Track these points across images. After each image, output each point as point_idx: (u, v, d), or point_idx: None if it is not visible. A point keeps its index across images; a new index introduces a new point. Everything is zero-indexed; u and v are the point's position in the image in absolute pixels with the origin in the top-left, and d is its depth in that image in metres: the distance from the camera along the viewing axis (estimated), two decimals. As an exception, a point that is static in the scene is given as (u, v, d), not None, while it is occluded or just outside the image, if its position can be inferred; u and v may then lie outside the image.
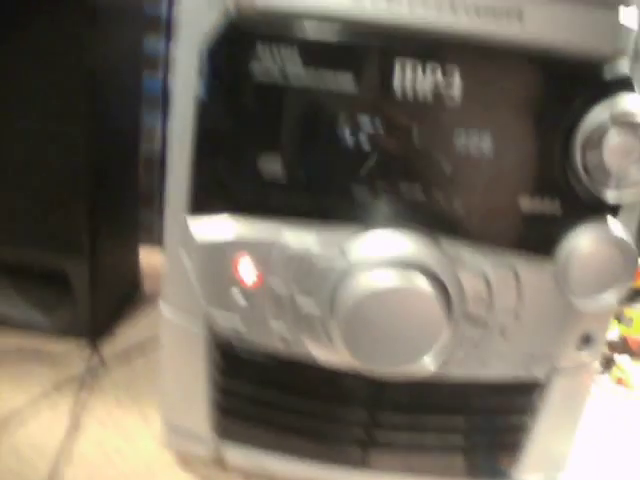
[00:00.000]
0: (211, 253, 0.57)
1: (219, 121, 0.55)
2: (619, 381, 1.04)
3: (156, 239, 1.34)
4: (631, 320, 1.15)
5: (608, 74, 0.51)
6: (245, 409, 0.65)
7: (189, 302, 0.60)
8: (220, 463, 0.70)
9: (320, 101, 0.52)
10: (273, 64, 0.51)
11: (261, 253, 0.55)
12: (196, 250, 0.58)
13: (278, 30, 0.51)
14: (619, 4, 0.50)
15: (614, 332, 1.09)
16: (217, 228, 0.56)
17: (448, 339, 0.54)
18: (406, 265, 0.52)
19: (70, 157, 0.84)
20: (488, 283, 0.54)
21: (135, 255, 1.10)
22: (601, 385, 1.00)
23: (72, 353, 0.91)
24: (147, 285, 1.14)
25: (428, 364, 0.55)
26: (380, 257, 0.52)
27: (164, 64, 1.25)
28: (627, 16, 0.50)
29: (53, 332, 0.94)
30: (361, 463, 0.65)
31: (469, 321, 0.55)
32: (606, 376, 1.04)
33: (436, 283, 0.52)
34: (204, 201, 0.57)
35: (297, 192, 0.54)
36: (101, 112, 0.86)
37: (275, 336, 0.57)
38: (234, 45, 0.52)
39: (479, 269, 0.54)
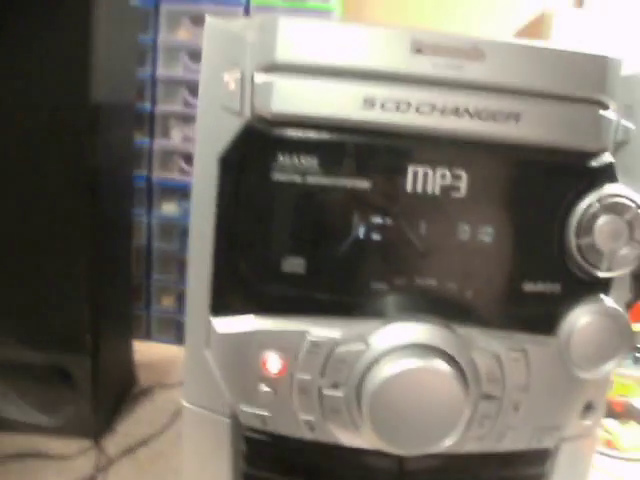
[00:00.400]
0: (237, 352, 0.60)
1: (239, 224, 0.58)
2: (608, 444, 1.08)
3: (144, 332, 1.37)
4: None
5: (594, 167, 0.57)
6: (271, 498, 0.66)
7: (214, 400, 0.62)
8: None
9: (337, 202, 0.57)
10: (290, 167, 0.56)
11: (287, 349, 0.58)
12: (222, 350, 0.60)
13: (295, 135, 0.56)
14: (601, 104, 0.56)
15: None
16: (242, 328, 0.59)
17: (468, 417, 0.57)
18: (425, 349, 0.56)
19: (72, 256, 0.87)
20: (500, 362, 0.58)
21: (130, 349, 1.12)
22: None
23: (76, 453, 0.91)
24: (141, 378, 1.15)
25: (451, 443, 0.57)
26: (401, 344, 0.56)
27: (148, 159, 1.29)
28: (607, 113, 0.56)
29: (55, 432, 0.94)
30: None
31: (485, 399, 0.59)
32: (595, 440, 1.07)
33: (453, 364, 0.56)
34: (227, 302, 0.60)
35: (320, 291, 0.58)
36: (101, 210, 0.89)
37: (302, 426, 0.60)
38: (252, 149, 0.56)
39: (491, 350, 0.58)
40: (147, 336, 1.37)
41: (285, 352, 0.58)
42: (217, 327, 0.60)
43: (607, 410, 1.12)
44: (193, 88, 1.21)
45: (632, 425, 1.15)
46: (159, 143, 1.29)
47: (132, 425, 1.01)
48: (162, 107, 1.27)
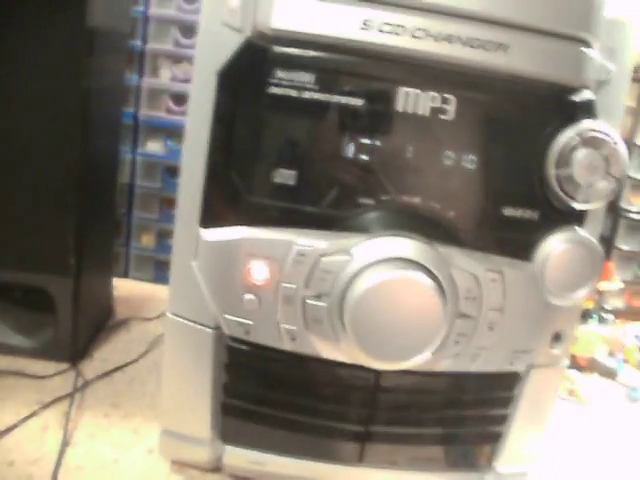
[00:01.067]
0: (224, 261, 0.62)
1: (234, 137, 0.60)
2: (571, 393, 1.12)
3: (122, 269, 1.38)
4: (576, 339, 1.24)
5: (576, 101, 0.60)
6: (248, 409, 0.69)
7: (198, 311, 0.65)
8: (217, 468, 0.73)
9: (331, 118, 0.59)
10: (287, 83, 0.57)
11: (274, 258, 0.60)
12: (209, 259, 0.62)
13: (293, 52, 0.58)
14: (585, 42, 0.59)
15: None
16: (230, 238, 0.61)
17: (445, 333, 0.60)
18: (406, 263, 0.58)
19: (58, 178, 0.88)
20: (478, 282, 0.61)
21: (110, 281, 1.14)
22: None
23: (54, 373, 0.92)
24: (118, 312, 1.17)
25: (428, 357, 0.60)
26: (383, 257, 0.58)
27: (136, 96, 1.29)
28: (590, 52, 0.59)
29: (34, 354, 0.95)
30: (357, 459, 0.70)
31: (462, 317, 0.61)
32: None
33: (433, 278, 0.58)
34: (217, 213, 0.62)
35: (308, 203, 0.60)
36: (90, 136, 0.89)
37: (284, 336, 0.62)
38: (251, 64, 0.58)
39: (470, 269, 0.61)
40: (125, 273, 1.38)
41: (271, 261, 0.60)
42: (205, 236, 0.61)
43: (572, 363, 1.18)
44: (185, 28, 1.22)
45: (594, 377, 1.19)
46: (148, 81, 1.29)
47: (109, 352, 1.03)
48: (153, 45, 1.28)
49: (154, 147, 1.33)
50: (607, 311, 1.49)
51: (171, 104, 1.30)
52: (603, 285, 1.40)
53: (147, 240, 1.38)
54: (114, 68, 1.02)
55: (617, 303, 1.64)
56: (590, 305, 1.38)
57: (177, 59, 1.29)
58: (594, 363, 1.23)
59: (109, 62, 0.97)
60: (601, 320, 1.40)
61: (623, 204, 1.61)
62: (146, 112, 1.31)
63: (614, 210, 1.61)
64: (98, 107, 0.93)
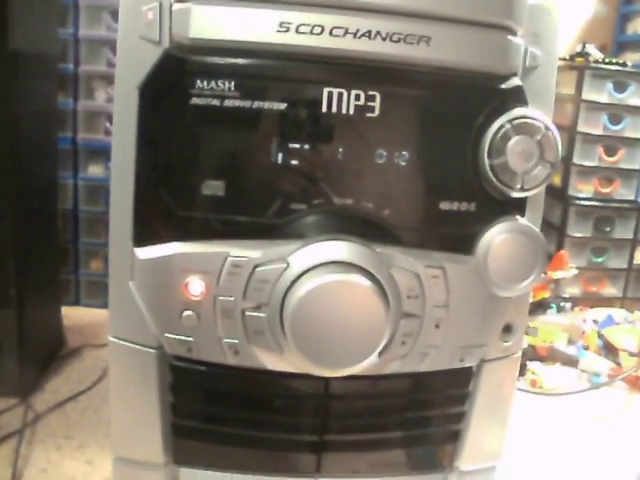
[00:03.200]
0: (160, 278, 0.60)
1: (160, 151, 0.58)
2: (533, 383, 1.12)
3: (72, 296, 1.36)
4: (536, 329, 1.25)
5: (504, 89, 0.59)
6: (199, 428, 0.67)
7: (139, 332, 0.63)
8: (173, 492, 0.71)
9: (255, 125, 0.57)
10: (209, 92, 0.56)
11: (209, 272, 0.59)
12: (145, 277, 0.60)
13: (212, 60, 0.56)
14: (509, 30, 0.58)
15: (523, 342, 1.17)
16: (164, 254, 0.59)
17: (390, 335, 0.59)
18: (344, 266, 0.57)
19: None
20: (419, 280, 0.60)
21: (58, 310, 1.12)
22: (518, 388, 1.07)
23: (2, 410, 0.90)
24: (70, 341, 1.14)
25: (373, 361, 0.59)
26: (320, 262, 0.57)
27: (73, 120, 1.27)
28: (515, 38, 0.58)
29: (-19, 392, 0.92)
30: (315, 470, 0.68)
31: (406, 317, 0.60)
32: (521, 380, 1.12)
33: (373, 280, 0.57)
34: (150, 231, 0.60)
35: (240, 213, 0.59)
36: (23, 163, 0.87)
37: (227, 351, 0.61)
38: (171, 76, 0.57)
39: (410, 268, 0.60)
40: (76, 301, 1.35)
41: (207, 274, 0.59)
42: (140, 255, 0.60)
43: (533, 354, 1.19)
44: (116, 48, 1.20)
45: (556, 366, 1.19)
46: (83, 104, 1.27)
47: (61, 383, 1.01)
48: (85, 67, 1.25)
49: (95, 170, 1.31)
50: (565, 299, 1.51)
51: (108, 125, 1.28)
52: (558, 274, 1.41)
53: (96, 265, 1.36)
54: (44, 92, 1.00)
55: (574, 290, 1.64)
56: (547, 295, 1.39)
57: (111, 80, 1.27)
58: (555, 352, 1.23)
59: (38, 86, 0.95)
60: (559, 309, 1.41)
61: (571, 191, 1.61)
62: (84, 135, 1.29)
63: (563, 198, 1.62)
64: (30, 133, 0.91)
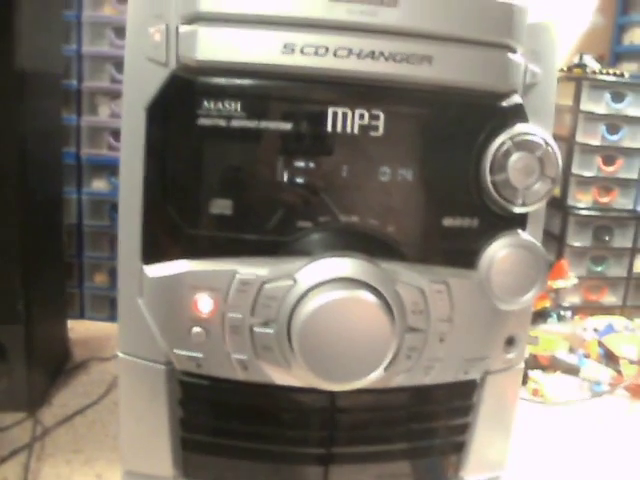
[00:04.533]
0: (169, 296, 0.61)
1: (167, 170, 0.59)
2: (535, 392, 1.13)
3: (77, 310, 1.37)
4: (537, 338, 1.25)
5: (505, 107, 0.61)
6: (208, 442, 0.68)
7: (148, 348, 0.64)
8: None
9: (261, 144, 0.59)
10: (215, 113, 0.57)
11: (217, 289, 0.60)
12: (154, 295, 0.61)
13: (219, 82, 0.58)
14: (509, 48, 0.59)
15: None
16: (172, 271, 0.60)
17: (395, 350, 0.60)
18: (350, 282, 0.58)
19: (2, 226, 0.87)
20: (424, 295, 0.61)
21: (64, 325, 1.12)
22: (521, 397, 1.08)
23: (11, 424, 0.91)
24: (76, 354, 1.15)
25: (380, 375, 0.60)
26: (327, 279, 0.58)
27: (76, 136, 1.28)
28: (515, 57, 0.60)
29: (-11, 407, 0.93)
30: (322, 482, 0.69)
31: (411, 331, 0.61)
32: (523, 390, 1.13)
33: (378, 295, 0.58)
34: (158, 248, 0.61)
35: (247, 231, 0.60)
36: (30, 179, 0.89)
37: (236, 366, 0.62)
38: (178, 97, 0.58)
39: (415, 283, 0.61)
40: (81, 314, 1.36)
41: (215, 292, 0.60)
42: (149, 273, 0.61)
43: (534, 363, 1.19)
44: (119, 64, 1.21)
45: (558, 375, 1.20)
46: (87, 120, 1.28)
47: (68, 397, 1.01)
48: (89, 84, 1.27)
49: (99, 185, 1.32)
50: (565, 308, 1.51)
51: (112, 141, 1.29)
52: (558, 283, 1.42)
53: (100, 279, 1.37)
54: (50, 109, 1.01)
55: (574, 299, 1.65)
56: (547, 304, 1.39)
57: (114, 95, 1.28)
58: (556, 361, 1.24)
59: (43, 103, 0.96)
60: (560, 318, 1.42)
61: (570, 201, 1.63)
62: (88, 151, 1.30)
63: (562, 208, 1.63)
64: (36, 150, 0.92)
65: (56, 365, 1.07)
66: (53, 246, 1.07)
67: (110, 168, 1.31)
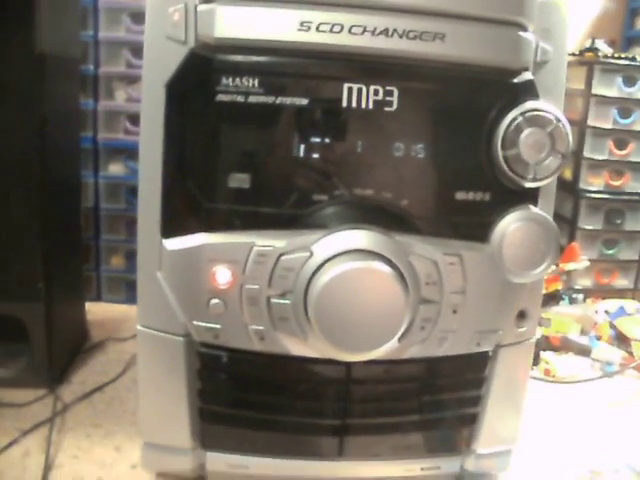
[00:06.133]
0: (187, 268, 0.63)
1: (187, 146, 0.61)
2: (546, 372, 1.14)
3: (94, 292, 1.39)
4: (549, 321, 1.26)
5: (516, 83, 0.62)
6: (225, 412, 0.70)
7: (167, 321, 0.65)
8: (201, 477, 0.74)
9: (278, 119, 0.60)
10: (233, 89, 0.59)
11: (235, 261, 0.61)
12: (173, 268, 0.63)
13: (237, 59, 0.59)
14: (520, 26, 0.60)
15: (537, 333, 1.19)
16: (192, 245, 0.62)
17: (409, 320, 0.61)
18: (365, 254, 0.60)
19: (21, 205, 0.88)
20: (437, 267, 0.62)
21: (82, 305, 1.14)
22: (532, 376, 1.09)
23: (33, 400, 0.92)
24: (93, 335, 1.17)
25: (395, 345, 0.61)
26: (342, 250, 0.59)
27: (93, 120, 1.30)
28: (526, 34, 0.61)
29: (10, 383, 0.95)
30: (337, 453, 0.71)
31: (425, 303, 0.63)
32: (535, 370, 1.14)
33: (392, 267, 0.60)
34: (177, 222, 0.63)
35: (264, 205, 0.61)
36: (49, 162, 0.90)
37: (253, 337, 0.63)
38: (197, 74, 0.59)
39: (428, 255, 0.62)
40: (98, 297, 1.38)
41: (233, 264, 0.61)
42: (168, 246, 0.62)
43: (546, 344, 1.20)
44: (136, 49, 1.23)
45: (569, 356, 1.21)
46: (104, 104, 1.29)
47: (87, 375, 1.03)
48: (105, 69, 1.28)
49: (115, 169, 1.34)
50: (577, 291, 1.52)
51: (128, 125, 1.31)
52: (570, 265, 1.42)
53: (116, 261, 1.38)
54: (68, 93, 1.03)
55: (585, 282, 1.66)
56: (559, 287, 1.40)
57: (131, 80, 1.30)
58: (568, 342, 1.25)
59: (63, 87, 0.98)
60: (572, 300, 1.43)
61: (582, 185, 1.63)
62: (104, 135, 1.32)
63: (574, 191, 1.63)
64: (55, 133, 0.94)
65: (75, 344, 1.09)
66: (71, 228, 1.09)
67: (127, 152, 1.33)
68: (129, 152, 1.31)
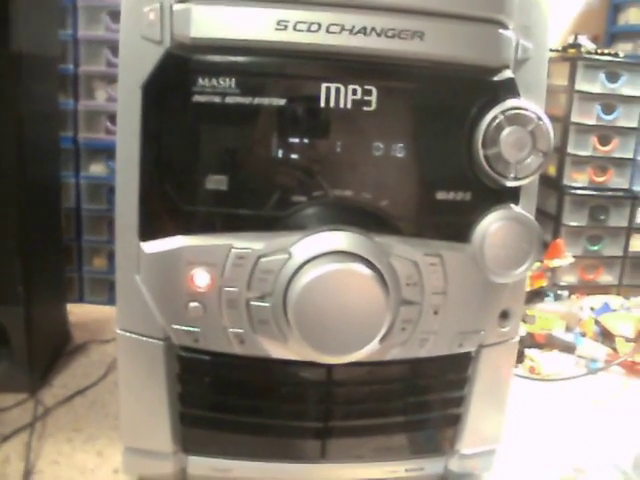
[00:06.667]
0: (166, 271, 0.62)
1: (163, 148, 0.60)
2: (531, 370, 1.14)
3: (76, 294, 1.37)
4: (533, 317, 1.26)
5: (496, 81, 0.61)
6: (206, 416, 0.69)
7: (146, 324, 0.65)
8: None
9: (255, 120, 0.59)
10: (210, 89, 0.58)
11: (214, 264, 0.60)
12: (151, 271, 0.62)
13: (213, 59, 0.58)
14: (500, 24, 0.60)
15: (521, 330, 1.19)
16: (170, 248, 0.61)
17: (390, 322, 0.61)
18: (344, 255, 0.59)
19: (0, 209, 0.87)
20: (418, 267, 0.62)
21: (64, 307, 1.13)
22: (517, 374, 1.10)
23: (12, 405, 0.91)
24: (76, 337, 1.16)
25: (375, 347, 0.61)
26: (321, 252, 0.59)
27: (73, 120, 1.29)
28: (506, 32, 0.60)
29: (-10, 388, 0.94)
30: (320, 456, 0.70)
31: (405, 304, 0.62)
32: (520, 367, 1.14)
33: (373, 268, 0.59)
34: (155, 225, 0.62)
35: (242, 206, 0.61)
36: (27, 162, 0.89)
37: (233, 340, 0.62)
38: (173, 75, 0.59)
39: (408, 256, 0.62)
40: (80, 298, 1.37)
41: (212, 266, 0.60)
42: (146, 249, 0.62)
43: (531, 342, 1.20)
44: (115, 48, 1.21)
45: (554, 353, 1.21)
46: (84, 104, 1.28)
47: (68, 378, 1.02)
48: (85, 68, 1.27)
49: (96, 169, 1.33)
50: (561, 287, 1.52)
51: (109, 125, 1.30)
52: (555, 262, 1.42)
53: (99, 262, 1.37)
54: (46, 93, 1.02)
55: (570, 279, 1.66)
56: (544, 283, 1.40)
57: (111, 79, 1.29)
58: (552, 339, 1.25)
59: (40, 87, 0.97)
60: (557, 297, 1.43)
61: (566, 181, 1.63)
62: (85, 135, 1.31)
63: (558, 188, 1.63)
64: (33, 133, 0.93)
65: (56, 347, 1.08)
66: (52, 230, 1.08)
67: (108, 152, 1.31)
68: (110, 152, 1.30)
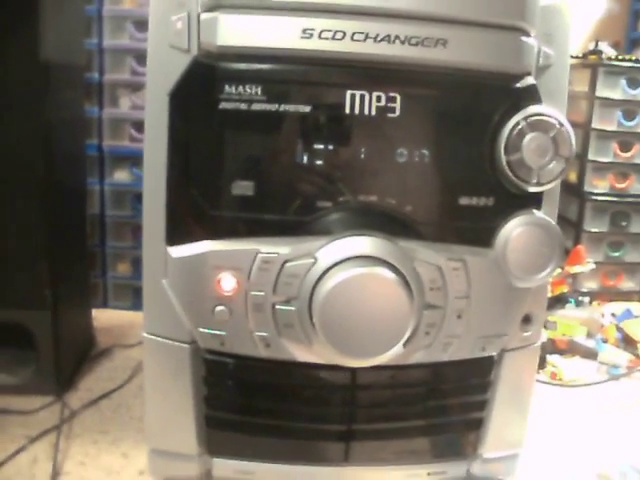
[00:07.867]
0: (192, 275, 0.63)
1: (190, 154, 0.61)
2: (553, 375, 1.14)
3: (100, 299, 1.39)
4: (555, 324, 1.26)
5: (519, 88, 0.62)
6: (232, 419, 0.70)
7: (173, 328, 0.66)
8: (207, 481, 0.74)
9: (281, 126, 0.60)
10: (236, 97, 0.59)
11: (240, 268, 0.61)
12: (178, 275, 0.63)
13: (239, 66, 0.59)
14: (522, 31, 0.61)
15: (543, 336, 1.19)
16: (197, 252, 0.62)
17: (414, 326, 0.61)
18: (369, 260, 0.60)
19: (27, 212, 0.89)
20: (441, 272, 0.62)
21: (89, 312, 1.15)
22: (539, 380, 1.10)
23: (40, 407, 0.93)
24: (100, 342, 1.18)
25: (399, 351, 0.61)
26: (347, 256, 0.60)
27: (98, 128, 1.31)
28: (528, 39, 0.61)
29: (18, 391, 0.96)
30: (343, 459, 0.71)
31: (429, 308, 0.63)
32: (542, 373, 1.14)
33: (397, 273, 0.60)
34: (182, 230, 0.63)
35: (268, 212, 0.62)
36: (55, 170, 0.91)
37: (259, 344, 0.63)
38: (200, 82, 0.60)
39: (432, 261, 0.62)
40: (104, 303, 1.39)
41: (238, 271, 0.61)
42: (173, 253, 0.63)
43: (552, 348, 1.20)
44: (140, 57, 1.24)
45: (576, 359, 1.21)
46: (108, 112, 1.30)
47: (93, 382, 1.04)
48: (110, 76, 1.29)
49: (121, 176, 1.35)
50: (583, 294, 1.52)
51: (133, 132, 1.31)
52: (576, 268, 1.42)
53: (123, 268, 1.39)
54: (73, 101, 1.03)
55: (591, 285, 1.65)
56: (565, 290, 1.40)
57: (135, 87, 1.30)
58: (574, 345, 1.25)
59: (67, 95, 0.99)
60: (578, 304, 1.43)
61: (587, 187, 1.63)
62: (110, 142, 1.32)
63: (579, 194, 1.63)
64: (60, 140, 0.94)
65: (81, 351, 1.10)
66: (77, 235, 1.10)
67: (132, 159, 1.33)
68: (134, 159, 1.32)
